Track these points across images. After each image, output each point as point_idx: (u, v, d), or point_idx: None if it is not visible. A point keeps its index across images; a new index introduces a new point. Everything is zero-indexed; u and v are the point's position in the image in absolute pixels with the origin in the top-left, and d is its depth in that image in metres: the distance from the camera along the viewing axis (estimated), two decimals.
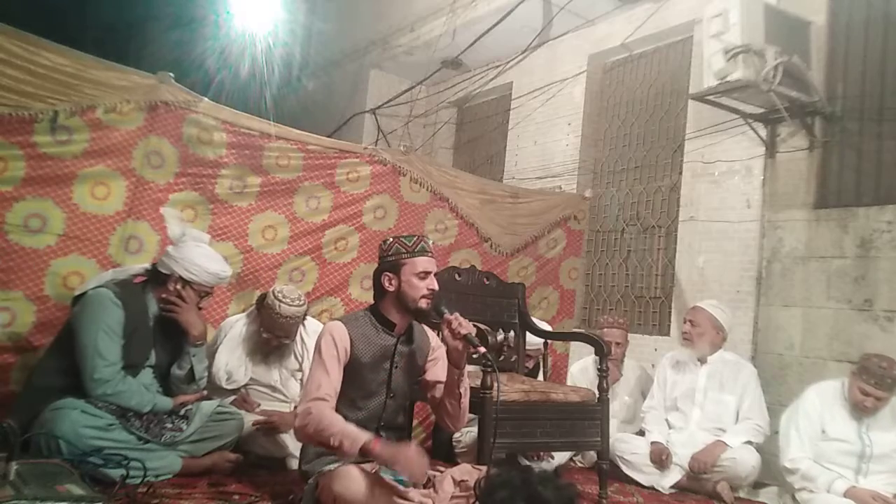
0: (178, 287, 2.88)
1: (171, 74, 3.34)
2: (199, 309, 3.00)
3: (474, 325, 2.87)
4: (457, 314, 2.43)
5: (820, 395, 3.39)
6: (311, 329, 3.40)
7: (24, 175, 2.98)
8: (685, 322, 3.90)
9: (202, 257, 2.92)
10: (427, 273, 2.49)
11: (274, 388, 3.41)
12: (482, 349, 2.39)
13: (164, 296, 2.88)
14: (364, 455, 2.25)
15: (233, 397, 3.30)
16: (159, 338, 2.90)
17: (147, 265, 2.99)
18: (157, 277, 2.90)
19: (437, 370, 2.61)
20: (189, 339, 2.93)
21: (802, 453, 3.32)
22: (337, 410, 2.43)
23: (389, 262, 2.51)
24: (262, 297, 3.30)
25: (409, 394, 2.71)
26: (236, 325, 3.41)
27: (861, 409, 3.24)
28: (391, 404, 2.56)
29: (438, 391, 2.59)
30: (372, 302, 2.61)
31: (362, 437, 2.25)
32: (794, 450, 3.34)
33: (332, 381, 2.40)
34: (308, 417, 2.33)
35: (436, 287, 2.50)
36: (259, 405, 3.32)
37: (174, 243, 2.96)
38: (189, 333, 2.92)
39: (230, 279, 3.54)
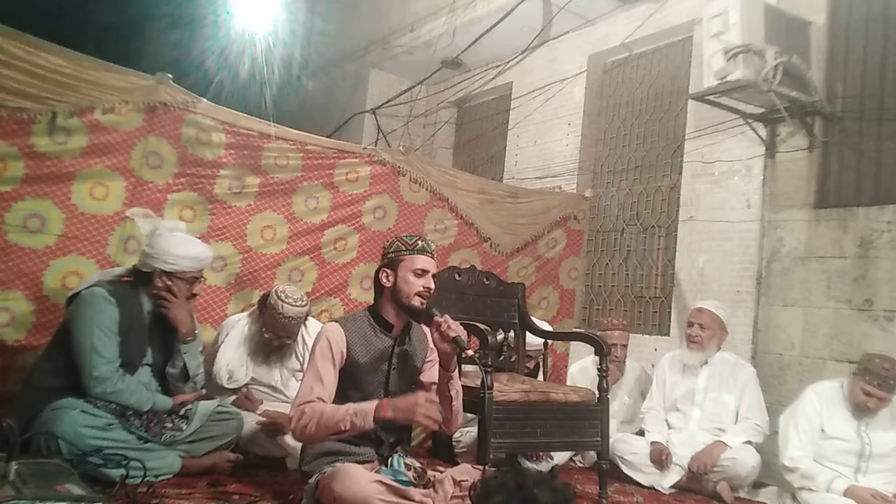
0: (166, 281, 2.83)
1: (170, 75, 3.34)
2: (194, 296, 2.93)
3: (474, 326, 2.88)
4: (447, 316, 2.42)
5: (819, 395, 3.39)
6: (312, 329, 3.39)
7: (23, 175, 2.98)
8: (691, 325, 3.83)
9: (176, 245, 2.86)
10: (424, 271, 2.49)
11: (275, 388, 3.41)
12: (470, 352, 2.39)
13: (155, 292, 2.84)
14: (378, 423, 2.28)
15: (234, 396, 3.30)
16: (155, 336, 2.89)
17: (129, 267, 2.95)
18: (142, 277, 2.86)
19: (434, 371, 2.60)
20: (178, 335, 2.90)
21: (802, 452, 3.32)
22: None
23: (389, 258, 2.54)
24: (265, 297, 3.30)
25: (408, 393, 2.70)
26: (238, 325, 3.40)
27: (863, 410, 3.24)
28: None
29: (434, 392, 2.58)
30: (371, 302, 2.62)
31: (370, 409, 2.28)
32: (794, 449, 3.34)
33: (325, 387, 2.40)
34: (305, 416, 2.32)
35: (432, 287, 2.50)
36: (262, 404, 3.32)
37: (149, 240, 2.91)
38: (178, 330, 2.89)
39: (231, 279, 3.57)
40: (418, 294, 2.47)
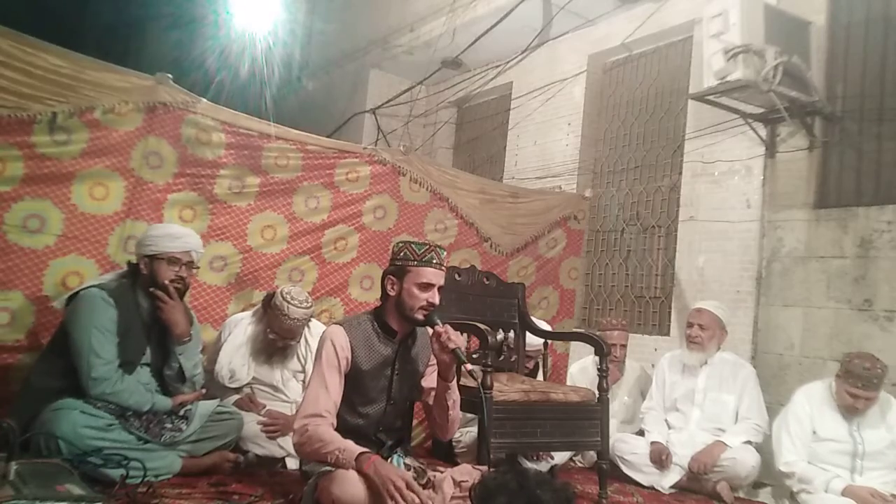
0: (151, 266, 2.85)
1: (170, 75, 3.34)
2: (184, 282, 2.92)
3: (474, 326, 2.87)
4: (447, 327, 2.40)
5: (808, 397, 3.38)
6: (314, 330, 3.39)
7: (22, 176, 2.98)
8: (691, 326, 3.83)
9: (155, 228, 2.97)
10: (430, 285, 2.45)
11: (276, 389, 3.40)
12: (469, 367, 2.38)
13: (151, 289, 2.84)
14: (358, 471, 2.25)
15: (236, 397, 3.30)
16: (154, 335, 2.89)
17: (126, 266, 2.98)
18: (135, 271, 2.89)
19: (435, 377, 2.60)
20: (173, 337, 2.90)
21: (796, 456, 3.31)
22: (338, 415, 2.42)
23: (396, 265, 2.49)
24: (269, 298, 3.29)
25: (410, 397, 2.70)
26: (241, 324, 3.39)
27: (852, 412, 3.22)
28: (391, 410, 2.56)
29: (433, 398, 2.59)
30: (374, 302, 2.61)
31: (355, 455, 2.25)
32: (788, 454, 3.32)
33: (330, 396, 2.39)
34: (305, 436, 2.33)
35: (436, 301, 2.45)
36: (265, 406, 3.31)
37: None
38: (172, 332, 2.89)
39: (231, 279, 3.57)
40: (421, 308, 2.44)
